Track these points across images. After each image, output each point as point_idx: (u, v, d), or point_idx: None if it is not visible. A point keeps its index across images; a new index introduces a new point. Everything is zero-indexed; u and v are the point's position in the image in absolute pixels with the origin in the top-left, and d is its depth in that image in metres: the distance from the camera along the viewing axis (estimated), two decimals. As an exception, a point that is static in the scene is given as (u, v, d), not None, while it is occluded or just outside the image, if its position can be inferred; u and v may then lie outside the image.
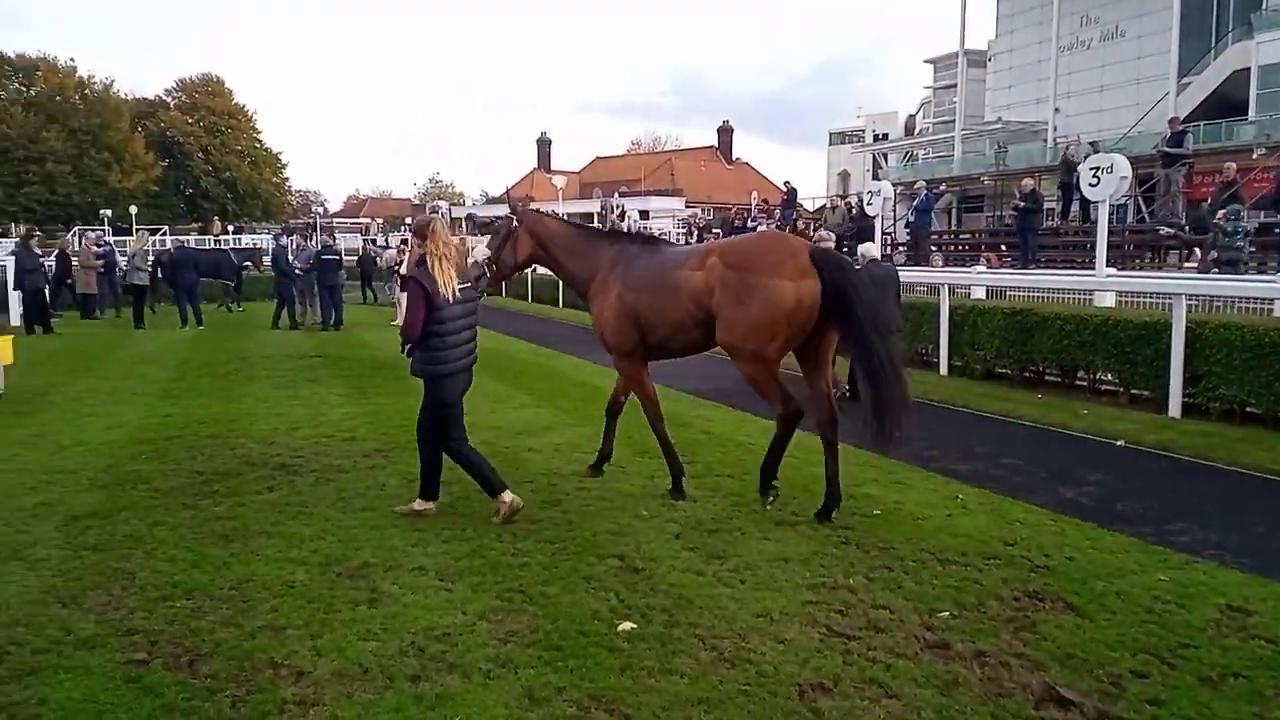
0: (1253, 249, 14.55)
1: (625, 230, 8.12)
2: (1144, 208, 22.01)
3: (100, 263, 22.74)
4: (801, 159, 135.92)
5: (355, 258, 29.44)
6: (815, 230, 25.69)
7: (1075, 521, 5.66)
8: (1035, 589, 4.53)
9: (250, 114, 68.01)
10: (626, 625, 4.06)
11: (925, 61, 45.32)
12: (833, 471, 5.74)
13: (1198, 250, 15.71)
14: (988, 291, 13.55)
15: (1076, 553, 5.07)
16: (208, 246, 33.58)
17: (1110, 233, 12.99)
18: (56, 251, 24.54)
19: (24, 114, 54.52)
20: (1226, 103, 26.86)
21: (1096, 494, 6.35)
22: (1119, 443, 7.96)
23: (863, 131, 51.31)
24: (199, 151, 63.28)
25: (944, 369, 11.99)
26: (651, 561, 4.89)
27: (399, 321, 19.82)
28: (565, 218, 7.70)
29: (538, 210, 7.53)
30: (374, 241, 39.18)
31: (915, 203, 20.54)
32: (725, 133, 69.32)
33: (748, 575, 4.68)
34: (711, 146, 69.88)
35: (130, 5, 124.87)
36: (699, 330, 6.02)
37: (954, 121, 36.90)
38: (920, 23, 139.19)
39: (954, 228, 32.60)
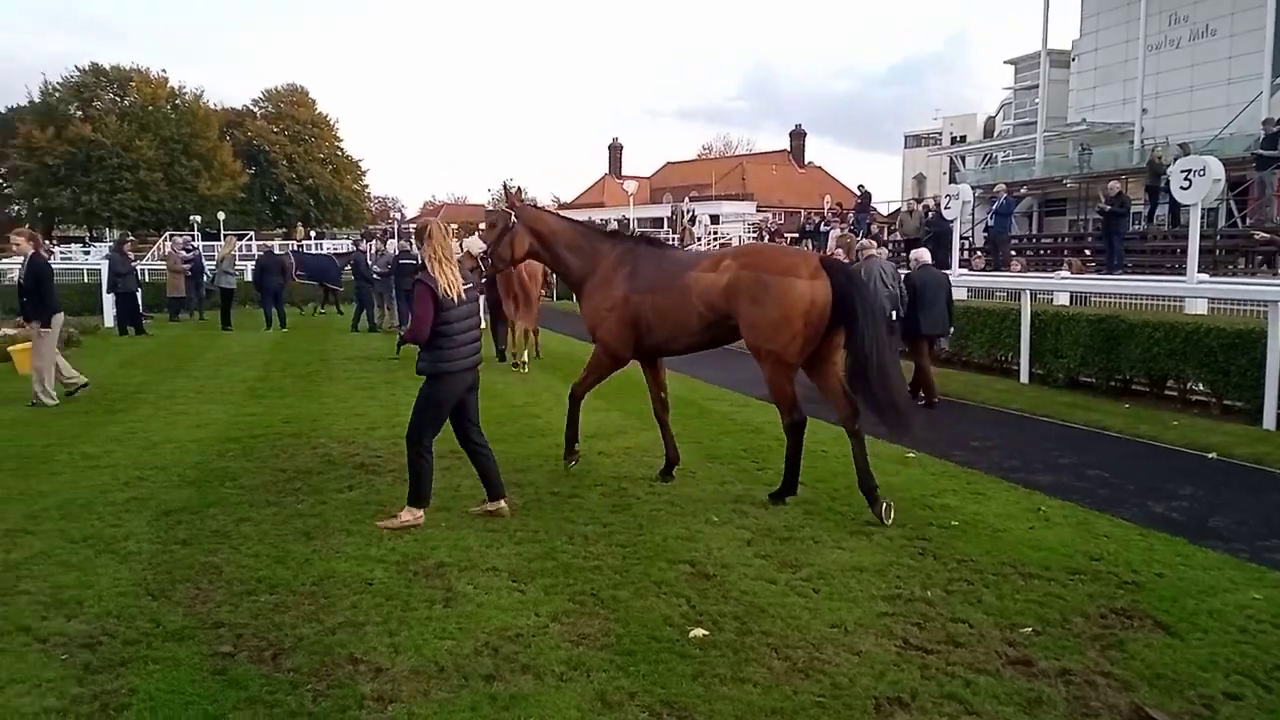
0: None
1: (630, 231, 8.10)
2: (1236, 211, 21.11)
3: (188, 267, 23.60)
4: (875, 162, 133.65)
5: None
6: (890, 235, 25.32)
7: (1165, 536, 5.45)
8: (1123, 606, 4.38)
9: (332, 122, 69.95)
10: (698, 632, 4.04)
11: (1005, 62, 44.18)
12: (862, 462, 5.88)
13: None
14: (1071, 297, 13.14)
15: (1166, 569, 4.88)
16: (314, 251, 34.49)
17: (1201, 237, 12.49)
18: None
19: (119, 123, 56.94)
20: (1324, 103, 25.57)
21: (1187, 508, 6.11)
22: (1210, 455, 7.64)
23: (939, 134, 50.30)
24: (283, 159, 65.30)
25: (1025, 377, 11.67)
26: (723, 568, 4.86)
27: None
28: (567, 215, 7.81)
29: (535, 206, 7.57)
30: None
31: (995, 206, 20.05)
32: (797, 136, 68.77)
33: (821, 585, 4.61)
34: (783, 150, 69.39)
35: (218, 18, 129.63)
36: (706, 331, 6.29)
37: (1035, 123, 35.88)
38: (999, 22, 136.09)
39: (1035, 232, 31.75)
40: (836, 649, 3.88)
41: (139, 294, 20.21)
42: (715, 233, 37.25)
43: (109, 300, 20.52)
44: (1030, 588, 4.61)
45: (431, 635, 4.02)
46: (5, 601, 4.36)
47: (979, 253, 19.89)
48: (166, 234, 40.92)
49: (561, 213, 7.68)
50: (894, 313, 10.03)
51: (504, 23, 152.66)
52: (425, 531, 5.47)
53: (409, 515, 5.60)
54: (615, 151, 74.93)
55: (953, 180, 35.84)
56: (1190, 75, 30.31)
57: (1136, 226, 20.47)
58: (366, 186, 75.89)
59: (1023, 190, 28.33)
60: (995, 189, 21.51)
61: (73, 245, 48.01)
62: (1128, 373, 10.59)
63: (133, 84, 59.53)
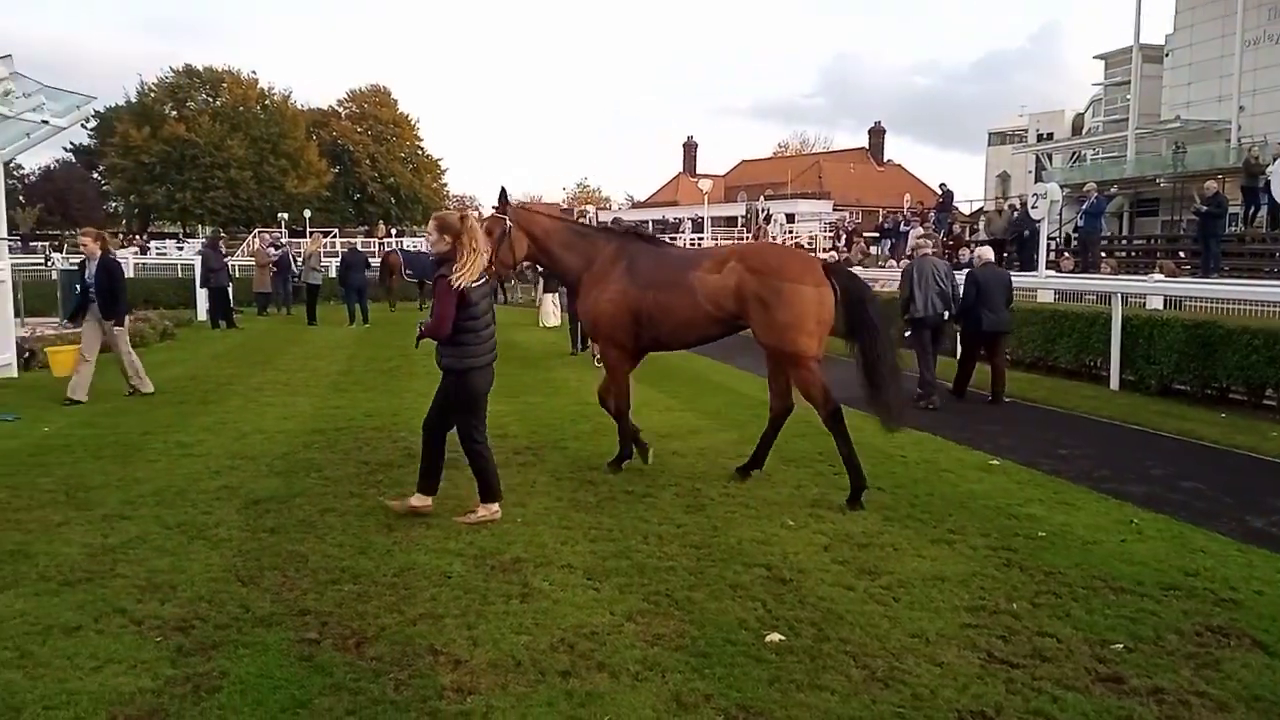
0: None
1: (629, 228, 8.11)
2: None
3: (274, 263, 24.35)
4: (957, 161, 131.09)
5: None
6: (972, 235, 24.71)
7: (1265, 553, 5.19)
8: (1219, 624, 4.19)
9: (413, 122, 71.46)
10: (775, 636, 4.00)
11: (1095, 57, 42.79)
12: (768, 446, 6.71)
13: None
14: (1165, 302, 12.64)
15: (1266, 586, 4.65)
16: (416, 250, 35.33)
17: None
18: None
19: (211, 123, 59.10)
20: None
21: (1291, 525, 5.81)
22: (1317, 470, 7.27)
23: (1025, 131, 48.92)
24: (366, 158, 67.00)
25: (1115, 383, 11.26)
26: (799, 573, 4.81)
27: (550, 323, 20.11)
28: (561, 213, 7.88)
29: (524, 207, 7.55)
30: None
31: (1085, 206, 19.42)
32: (876, 134, 67.73)
33: (901, 593, 4.52)
34: (862, 148, 68.42)
35: (306, 21, 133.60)
36: (711, 328, 6.56)
37: (1127, 120, 34.64)
38: (1089, 16, 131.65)
39: (1126, 233, 30.67)
40: (917, 659, 3.80)
41: (230, 289, 20.94)
42: (791, 231, 36.85)
43: (202, 295, 21.32)
44: (1121, 603, 4.44)
45: (509, 630, 4.06)
46: (103, 584, 4.55)
47: (1067, 254, 19.30)
48: (255, 231, 42.29)
49: (551, 212, 7.85)
50: (945, 311, 10.22)
51: (580, 21, 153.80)
52: (501, 526, 5.54)
53: (485, 511, 5.65)
54: (690, 150, 74.86)
55: (1038, 179, 34.81)
56: (1289, 71, 28.91)
57: (1233, 228, 19.60)
58: (445, 185, 77.31)
59: (1113, 190, 27.39)
60: (1085, 188, 20.86)
61: (167, 241, 49.99)
62: (1224, 381, 10.15)
63: (224, 85, 61.73)
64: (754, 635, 4.02)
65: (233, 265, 23.71)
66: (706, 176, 56.16)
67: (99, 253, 10.02)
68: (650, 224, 52.71)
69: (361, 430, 8.43)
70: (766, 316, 6.19)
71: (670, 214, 56.54)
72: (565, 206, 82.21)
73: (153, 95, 60.44)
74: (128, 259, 30.29)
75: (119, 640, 3.92)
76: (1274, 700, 3.48)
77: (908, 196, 36.01)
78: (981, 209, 33.15)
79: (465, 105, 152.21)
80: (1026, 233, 17.91)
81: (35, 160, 63.13)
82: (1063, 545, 5.30)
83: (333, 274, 24.78)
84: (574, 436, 8.24)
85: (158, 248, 43.41)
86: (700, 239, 43.42)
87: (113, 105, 59.13)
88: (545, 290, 19.67)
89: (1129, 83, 35.14)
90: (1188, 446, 8.22)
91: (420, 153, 71.88)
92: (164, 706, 3.36)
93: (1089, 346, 11.97)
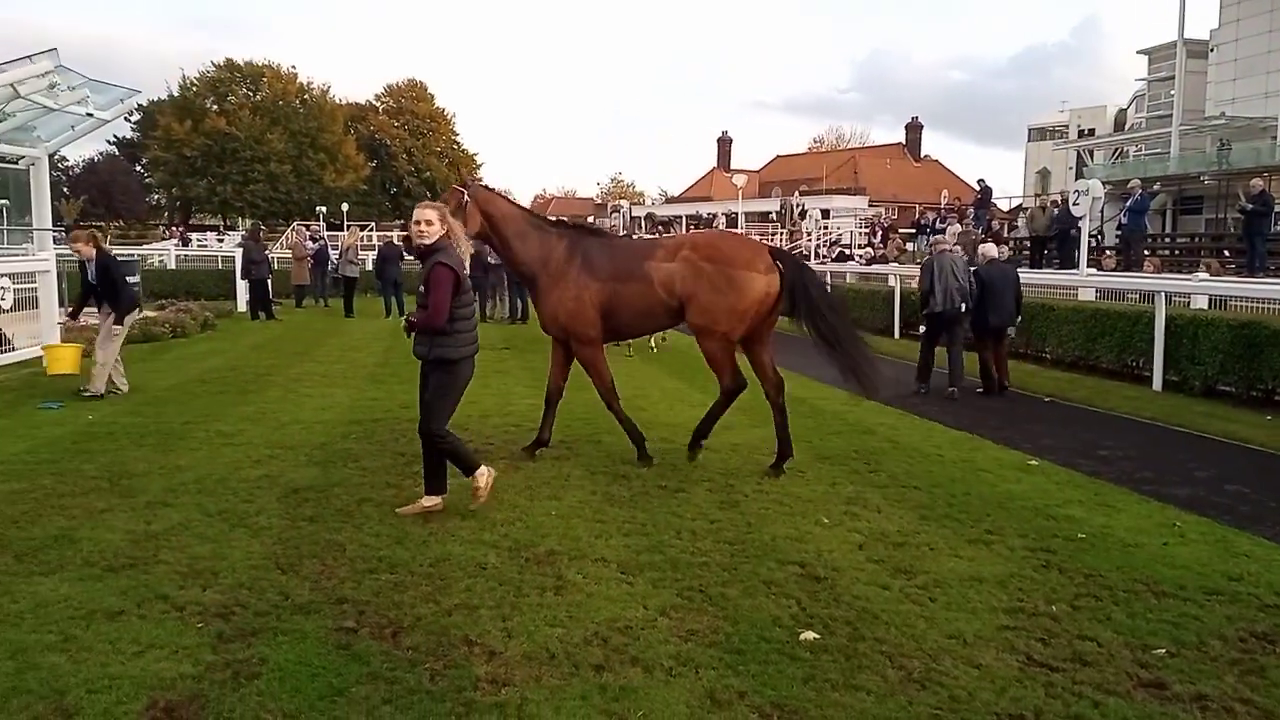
0: None
1: (578, 224, 8.14)
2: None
3: (312, 255, 24.61)
4: (995, 157, 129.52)
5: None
6: (1011, 232, 24.38)
7: (1314, 560, 5.07)
8: (1264, 630, 4.10)
9: (449, 117, 71.85)
10: (809, 635, 3.97)
11: (1138, 52, 41.89)
12: (784, 430, 6.82)
13: None
14: (1210, 301, 12.39)
15: (1314, 594, 4.55)
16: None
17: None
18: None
19: (252, 117, 59.84)
20: None
21: (1340, 531, 5.67)
22: (1368, 475, 7.08)
23: (1066, 127, 48.12)
24: (403, 153, 67.51)
25: (1158, 384, 11.07)
26: (834, 571, 4.77)
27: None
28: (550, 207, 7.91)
29: (488, 188, 7.51)
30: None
31: (1129, 203, 19.06)
32: (914, 129, 67.11)
33: (938, 594, 4.47)
34: (898, 143, 67.82)
35: (346, 16, 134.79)
36: (665, 317, 6.91)
37: (1170, 116, 33.96)
38: (1131, 10, 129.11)
39: (1169, 231, 30.10)
40: (954, 661, 3.75)
41: (270, 281, 21.21)
42: (826, 227, 36.57)
43: (242, 286, 21.62)
44: (1164, 607, 4.36)
45: (543, 622, 4.07)
46: (146, 570, 4.63)
47: (1109, 252, 18.98)
48: (294, 224, 42.81)
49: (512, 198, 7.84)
50: (963, 304, 10.61)
51: (614, 15, 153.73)
52: (536, 519, 5.56)
53: (483, 481, 5.60)
54: (724, 145, 74.65)
55: (1079, 175, 34.25)
56: (1339, 67, 28.21)
57: (1279, 226, 19.12)
58: (481, 179, 77.64)
59: (1156, 186, 26.88)
60: (1129, 185, 20.49)
61: (207, 234, 50.74)
62: (1270, 382, 9.94)
63: (265, 79, 62.44)
64: (788, 633, 4.00)
65: (272, 258, 23.99)
66: (741, 172, 55.99)
67: (94, 254, 9.65)
68: (684, 218, 52.65)
69: (398, 422, 8.50)
70: (713, 299, 6.58)
71: (704, 209, 56.38)
72: (599, 201, 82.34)
73: (194, 89, 61.30)
74: (169, 251, 30.88)
75: (161, 626, 3.98)
76: (1322, 709, 3.40)
77: (945, 192, 35.61)
78: (1020, 205, 32.72)
79: (501, 100, 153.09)
80: (1073, 230, 17.63)
81: (79, 153, 64.32)
82: (1103, 547, 5.22)
83: (369, 267, 25.03)
84: (607, 431, 8.23)
85: (198, 240, 44.09)
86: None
87: (155, 99, 59.99)
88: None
89: (1173, 78, 34.44)
90: (1232, 449, 8.05)
91: (456, 147, 72.26)
92: (204, 692, 3.41)
93: (1131, 346, 11.78)
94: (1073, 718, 3.33)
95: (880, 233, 29.72)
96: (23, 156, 14.75)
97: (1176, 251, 24.07)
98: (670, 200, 73.95)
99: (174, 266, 28.31)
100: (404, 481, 6.37)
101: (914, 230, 27.97)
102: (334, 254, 25.22)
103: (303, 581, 4.51)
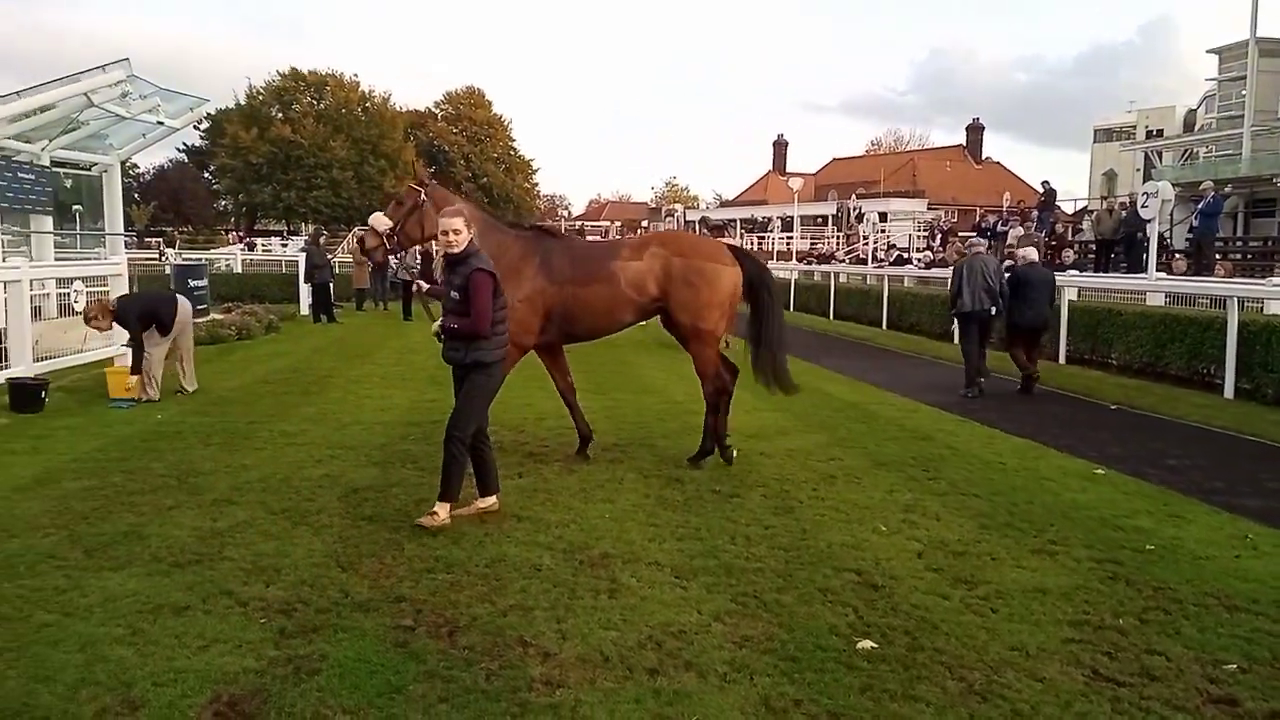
0: None
1: (541, 225, 8.09)
2: None
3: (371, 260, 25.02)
4: (1059, 159, 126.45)
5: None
6: (1075, 235, 23.79)
7: (1398, 576, 4.85)
8: (1343, 648, 3.93)
9: (506, 123, 72.63)
10: (866, 644, 3.91)
11: (1208, 51, 40.64)
12: (711, 427, 6.99)
13: None
14: (1286, 306, 11.95)
15: (1397, 611, 4.35)
16: None
17: None
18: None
19: (315, 124, 61.16)
20: None
21: None
22: None
23: (1133, 128, 46.87)
24: (461, 159, 68.40)
25: (1229, 391, 10.69)
26: (892, 579, 4.70)
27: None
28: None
29: (444, 188, 7.35)
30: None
31: (1200, 206, 18.50)
32: (975, 131, 65.92)
33: (1000, 604, 4.37)
34: (959, 145, 66.68)
35: (407, 25, 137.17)
36: (630, 315, 6.97)
37: (1242, 117, 32.85)
38: (1201, 8, 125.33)
39: (1240, 234, 29.13)
40: (1017, 673, 3.66)
41: (331, 285, 21.64)
42: (883, 230, 36.10)
43: (305, 290, 22.09)
44: (1235, 621, 4.21)
45: (597, 625, 4.08)
46: (211, 566, 4.74)
47: (1178, 255, 18.43)
48: (355, 229, 43.65)
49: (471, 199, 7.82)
50: (992, 307, 10.77)
51: (667, 20, 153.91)
52: (590, 522, 5.57)
53: (485, 502, 5.62)
54: (779, 148, 74.21)
55: (1147, 177, 33.33)
56: None
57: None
58: (536, 185, 78.35)
59: (1228, 189, 26.02)
60: (1201, 187, 19.87)
61: (271, 239, 51.97)
62: (1353, 391, 9.54)
63: (328, 88, 63.77)
64: (845, 641, 3.94)
65: (333, 262, 24.48)
66: (796, 175, 55.55)
67: (111, 323, 9.87)
68: (739, 222, 52.42)
69: (454, 424, 8.58)
70: (690, 295, 6.74)
71: (759, 212, 56.11)
72: (653, 205, 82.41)
73: (260, 98, 62.85)
74: (235, 255, 31.72)
75: (225, 621, 4.07)
76: (1407, 733, 3.24)
77: (1007, 195, 34.87)
78: (1086, 208, 31.91)
79: (555, 104, 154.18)
80: (1140, 234, 17.16)
81: (150, 160, 66.49)
82: (1172, 559, 5.05)
83: (428, 271, 25.34)
84: (661, 435, 8.25)
85: (263, 245, 45.21)
86: (790, 238, 42.95)
87: (223, 107, 61.67)
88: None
89: (1244, 78, 33.35)
90: (1311, 460, 7.75)
91: (513, 153, 73.03)
92: (266, 687, 3.47)
93: (1202, 353, 11.42)
94: (1141, 735, 3.23)
95: (939, 236, 29.22)
96: (96, 163, 15.28)
97: (1249, 255, 23.27)
98: (725, 204, 73.71)
99: (240, 270, 29.08)
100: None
101: (974, 233, 27.45)
102: (393, 259, 25.57)
103: (362, 579, 4.58)
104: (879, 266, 25.42)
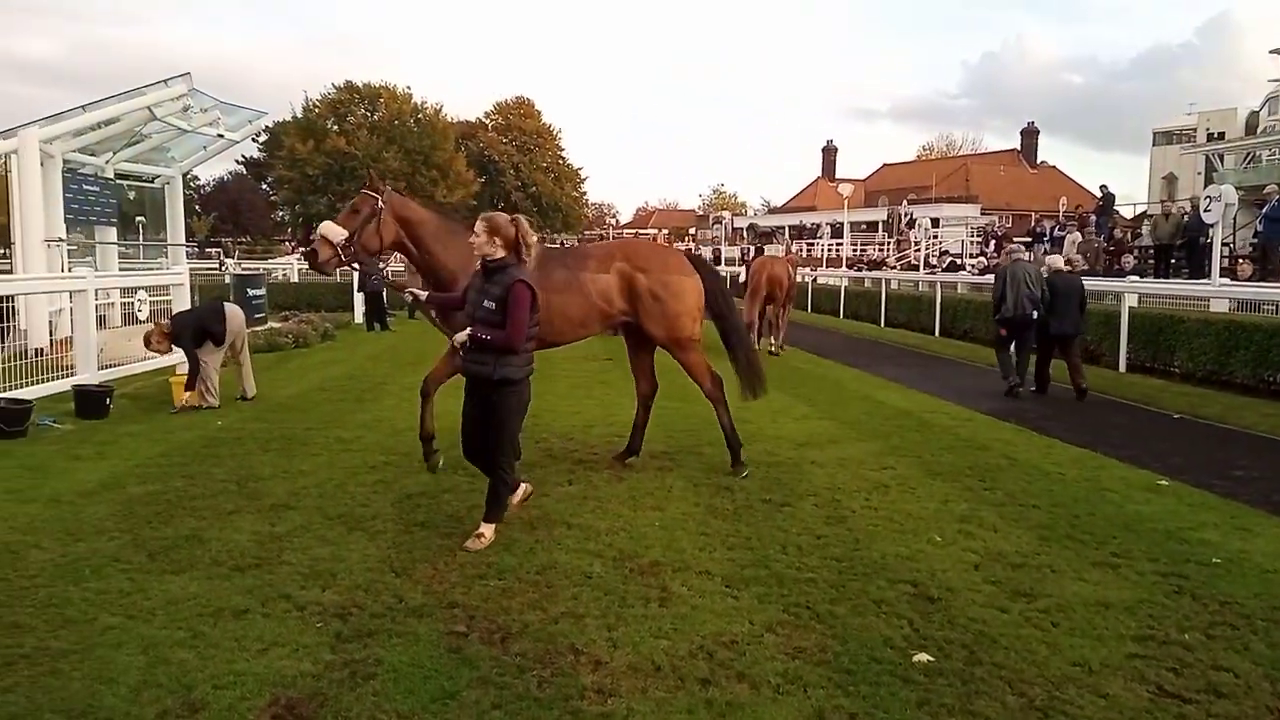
0: None
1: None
2: None
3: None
4: (1117, 163, 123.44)
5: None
6: (1134, 240, 23.21)
7: None
8: None
9: (555, 132, 73.17)
10: (922, 657, 3.85)
11: (1271, 52, 39.59)
12: (727, 424, 7.06)
13: None
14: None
15: None
16: None
17: None
18: None
19: (369, 136, 62.21)
20: None
21: None
22: None
23: (1193, 130, 45.67)
24: (510, 168, 69.08)
25: (1298, 401, 10.35)
26: (948, 591, 4.62)
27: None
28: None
29: (401, 193, 7.18)
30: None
31: (1265, 210, 17.93)
32: (1029, 134, 64.84)
33: (1060, 618, 4.27)
34: (1013, 150, 65.64)
35: (459, 38, 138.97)
36: (598, 325, 7.04)
37: (1310, 117, 31.82)
38: (1263, 8, 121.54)
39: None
40: (1079, 689, 3.57)
41: (385, 293, 21.96)
42: (936, 236, 35.62)
43: (359, 299, 22.46)
44: (1308, 638, 4.06)
45: (648, 634, 4.07)
46: (270, 570, 4.82)
47: (1242, 261, 17.89)
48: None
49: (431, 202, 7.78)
50: (1034, 312, 10.91)
51: (715, 26, 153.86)
52: (640, 530, 5.56)
53: (489, 533, 5.29)
54: (829, 154, 73.71)
55: (1208, 181, 32.42)
56: None
57: None
58: (585, 193, 78.77)
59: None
60: (1265, 190, 19.24)
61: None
62: None
63: (382, 100, 64.78)
64: (900, 654, 3.88)
65: (386, 271, 24.82)
66: (847, 181, 55.08)
67: (169, 346, 10.11)
68: (787, 229, 52.12)
69: (505, 431, 8.65)
70: (659, 308, 6.83)
71: (808, 219, 55.74)
72: (701, 213, 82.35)
73: (316, 110, 64.09)
74: (292, 265, 32.34)
75: (283, 624, 4.14)
76: None
77: (1063, 199, 34.20)
78: (1145, 212, 31.18)
79: (605, 114, 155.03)
80: (1202, 239, 16.69)
81: (210, 172, 68.23)
82: (1239, 573, 4.89)
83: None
84: (709, 442, 8.19)
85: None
86: (839, 244, 42.60)
87: (280, 120, 62.99)
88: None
89: (1314, 77, 32.30)
90: (1388, 472, 7.44)
91: (561, 162, 73.53)
92: (323, 690, 3.52)
93: (1269, 360, 11.06)
94: (1211, 756, 3.13)
95: (993, 241, 28.75)
96: (158, 175, 15.73)
97: (1319, 259, 22.44)
98: (773, 210, 73.39)
99: (296, 280, 29.64)
100: (511, 490, 6.47)
101: (1029, 239, 26.95)
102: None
103: (415, 585, 4.62)
104: (931, 272, 25.08)
